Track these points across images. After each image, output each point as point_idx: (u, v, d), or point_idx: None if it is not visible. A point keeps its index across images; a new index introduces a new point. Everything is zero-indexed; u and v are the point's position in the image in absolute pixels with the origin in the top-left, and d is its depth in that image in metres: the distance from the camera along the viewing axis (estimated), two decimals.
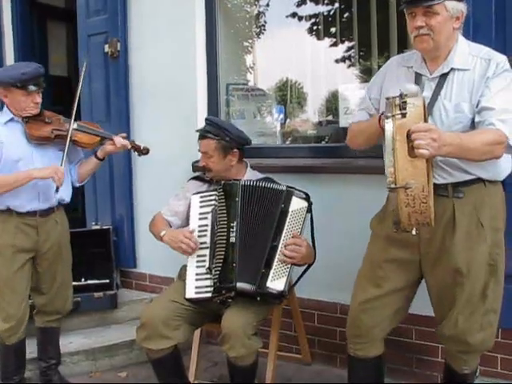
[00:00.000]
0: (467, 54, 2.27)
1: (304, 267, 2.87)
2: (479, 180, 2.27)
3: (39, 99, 2.99)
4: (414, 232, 2.10)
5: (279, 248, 2.67)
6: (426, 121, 2.07)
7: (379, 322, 2.48)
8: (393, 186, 1.99)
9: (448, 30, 2.22)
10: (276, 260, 2.66)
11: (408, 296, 2.50)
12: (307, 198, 2.76)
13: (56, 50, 5.78)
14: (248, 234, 2.70)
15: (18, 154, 2.96)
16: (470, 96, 2.22)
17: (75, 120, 3.10)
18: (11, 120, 3.00)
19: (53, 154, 3.03)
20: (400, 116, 1.99)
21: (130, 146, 3.20)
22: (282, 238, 2.68)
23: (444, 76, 2.27)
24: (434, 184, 2.15)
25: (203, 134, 2.93)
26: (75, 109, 3.10)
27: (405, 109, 1.99)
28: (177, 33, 3.98)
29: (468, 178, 2.26)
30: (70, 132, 3.01)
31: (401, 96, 2.01)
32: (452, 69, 2.26)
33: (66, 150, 2.98)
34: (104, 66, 4.29)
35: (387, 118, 2.01)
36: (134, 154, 4.16)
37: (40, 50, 5.42)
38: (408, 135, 1.96)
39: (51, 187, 2.97)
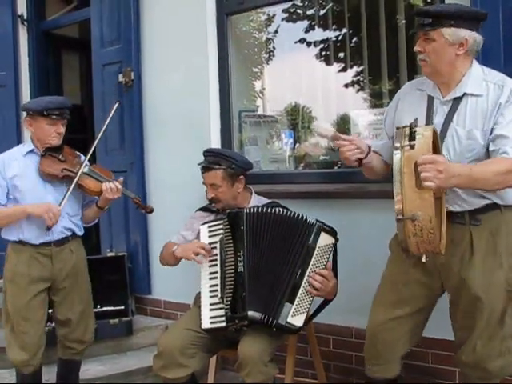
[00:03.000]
0: (481, 80, 2.28)
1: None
2: (495, 206, 2.28)
3: (62, 129, 3.07)
4: (424, 259, 2.12)
5: (302, 284, 2.64)
6: (437, 149, 2.08)
7: (396, 343, 2.49)
8: (400, 216, 2.01)
9: (448, 57, 2.25)
10: (299, 295, 2.64)
11: (425, 317, 2.51)
12: (334, 234, 2.72)
13: (70, 78, 5.88)
14: (260, 262, 2.70)
15: (30, 185, 3.01)
16: (483, 123, 2.22)
17: (91, 163, 3.17)
18: (31, 151, 3.08)
19: (65, 189, 3.06)
20: (408, 147, 2.00)
21: (120, 190, 3.09)
22: (307, 273, 2.65)
23: (457, 100, 2.29)
24: (451, 212, 2.17)
25: (208, 166, 2.94)
26: (90, 153, 3.15)
27: (414, 139, 2.00)
28: (189, 61, 4.05)
29: (484, 202, 2.26)
30: (78, 175, 3.04)
31: (411, 126, 2.03)
32: (465, 94, 2.27)
33: (69, 191, 3.01)
34: (118, 95, 4.33)
35: (396, 149, 2.03)
36: (149, 180, 4.26)
37: (54, 79, 5.51)
38: (415, 167, 1.97)
39: (63, 220, 3.04)
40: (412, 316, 2.46)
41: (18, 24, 5.02)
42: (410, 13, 3.83)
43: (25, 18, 5.05)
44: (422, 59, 2.28)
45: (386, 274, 2.58)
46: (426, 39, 2.25)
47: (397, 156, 2.02)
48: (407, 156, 2.00)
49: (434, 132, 2.11)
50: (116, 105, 3.31)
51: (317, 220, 2.71)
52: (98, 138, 3.20)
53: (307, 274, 2.65)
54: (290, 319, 2.62)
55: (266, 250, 2.70)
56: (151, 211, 3.36)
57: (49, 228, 2.93)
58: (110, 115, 3.23)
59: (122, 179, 3.16)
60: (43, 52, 5.24)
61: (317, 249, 2.66)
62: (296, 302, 2.63)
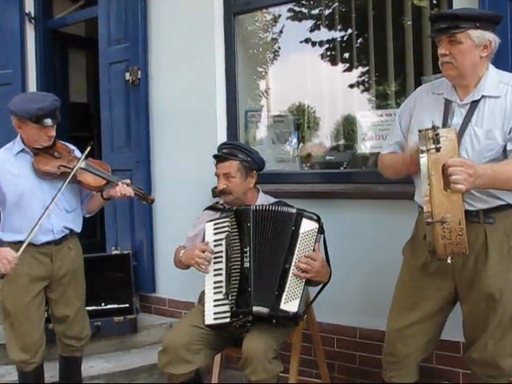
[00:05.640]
0: (498, 82, 2.30)
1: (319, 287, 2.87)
2: (509, 206, 2.30)
3: (54, 132, 2.97)
4: (449, 260, 2.13)
5: (291, 270, 2.67)
6: (458, 152, 2.10)
7: (415, 350, 2.51)
8: (430, 220, 2.04)
9: (473, 59, 2.26)
10: (288, 282, 2.66)
11: (441, 323, 2.52)
12: (318, 220, 2.75)
13: (76, 76, 5.89)
14: (262, 257, 2.71)
15: (26, 185, 2.96)
16: (502, 123, 2.24)
17: (86, 157, 3.08)
18: (22, 151, 3.00)
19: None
20: (434, 150, 2.02)
21: (132, 195, 3.09)
22: (294, 259, 2.67)
23: (475, 103, 2.30)
24: (466, 211, 2.18)
25: (225, 156, 2.96)
26: (86, 152, 3.05)
27: (438, 142, 2.02)
28: (196, 60, 4.05)
29: (499, 203, 2.28)
30: (73, 172, 2.97)
31: (433, 128, 2.04)
32: (483, 96, 2.29)
33: (61, 189, 2.93)
34: (125, 94, 4.37)
35: (422, 152, 2.05)
36: (154, 178, 4.28)
37: (61, 77, 5.52)
38: (443, 169, 2.00)
39: (63, 219, 3.02)
40: (427, 323, 2.47)
41: (25, 22, 5.03)
42: (416, 13, 3.84)
43: (32, 16, 5.06)
44: (448, 61, 2.27)
45: (400, 281, 2.59)
46: (451, 41, 2.25)
47: (423, 159, 2.05)
48: (434, 159, 2.03)
49: (456, 134, 2.12)
50: (89, 148, 3.09)
51: (297, 209, 2.76)
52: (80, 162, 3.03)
53: (294, 260, 2.68)
54: (283, 306, 2.63)
55: (266, 245, 2.73)
56: (152, 202, 3.32)
57: (2, 276, 2.79)
58: (84, 155, 3.06)
59: (128, 180, 3.13)
60: (50, 50, 5.26)
61: (300, 235, 2.70)
62: (287, 289, 2.64)
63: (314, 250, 2.71)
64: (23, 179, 2.96)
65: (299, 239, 2.69)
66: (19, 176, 2.96)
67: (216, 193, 3.00)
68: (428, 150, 2.03)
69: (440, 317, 2.49)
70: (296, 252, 2.68)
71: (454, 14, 2.29)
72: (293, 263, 2.67)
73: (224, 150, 3.00)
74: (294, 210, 2.74)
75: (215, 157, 3.02)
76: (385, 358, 2.62)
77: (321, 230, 2.75)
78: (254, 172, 3.00)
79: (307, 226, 2.71)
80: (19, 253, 2.81)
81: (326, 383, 3.35)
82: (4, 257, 2.78)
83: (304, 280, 2.68)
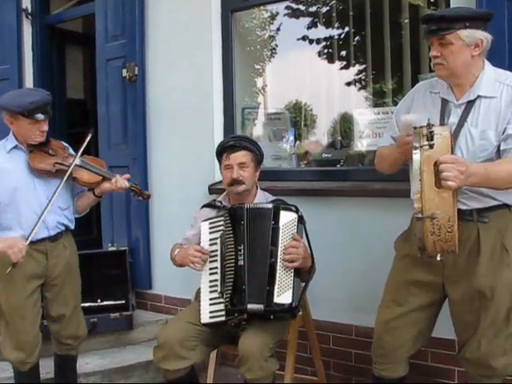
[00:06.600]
0: (494, 81, 2.29)
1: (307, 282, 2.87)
2: (504, 206, 2.29)
3: (46, 127, 2.95)
4: (438, 258, 2.14)
5: (278, 263, 2.68)
6: (452, 150, 2.10)
7: (403, 343, 2.51)
8: (419, 215, 2.04)
9: (464, 58, 2.25)
10: (277, 275, 2.67)
11: (431, 317, 2.51)
12: (296, 210, 2.77)
13: (73, 73, 5.88)
14: (253, 255, 2.73)
15: (19, 182, 2.92)
16: (496, 123, 2.24)
17: (81, 154, 3.05)
18: (15, 147, 2.97)
19: (56, 183, 2.97)
20: (428, 147, 2.04)
21: (127, 186, 3.09)
22: (279, 252, 2.69)
23: (471, 103, 2.29)
24: (459, 209, 2.18)
25: (240, 146, 2.95)
26: (82, 149, 3.02)
27: (432, 139, 2.03)
28: (193, 57, 4.05)
29: (493, 203, 2.28)
30: (70, 170, 2.96)
31: (428, 126, 2.05)
32: (479, 96, 2.28)
33: (59, 188, 2.93)
34: (122, 90, 4.36)
35: (415, 148, 2.06)
36: (151, 175, 4.27)
37: (58, 73, 5.51)
38: (435, 166, 2.01)
39: (57, 215, 3.00)
40: (414, 314, 2.47)
41: (22, 18, 5.03)
42: (413, 12, 3.84)
43: (29, 11, 5.05)
44: (439, 63, 2.27)
45: (390, 275, 2.60)
46: (441, 43, 2.25)
47: (416, 155, 2.06)
48: (426, 155, 2.04)
49: (451, 132, 2.13)
50: (89, 136, 3.09)
51: (274, 203, 2.82)
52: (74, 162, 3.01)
53: (279, 252, 2.69)
54: (276, 299, 2.64)
55: (256, 242, 2.74)
56: (148, 197, 3.31)
57: (14, 265, 2.75)
58: (80, 150, 3.03)
59: (128, 175, 3.15)
60: (47, 46, 5.25)
61: (281, 228, 2.72)
62: (277, 282, 2.66)
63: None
64: (16, 176, 2.93)
65: (280, 232, 2.71)
66: (12, 173, 2.93)
67: (227, 183, 2.96)
68: (421, 147, 2.05)
69: (429, 312, 2.49)
70: (280, 245, 2.70)
71: (441, 15, 2.28)
72: (278, 256, 2.69)
73: (234, 141, 2.99)
74: (270, 205, 2.77)
75: (228, 147, 2.97)
76: (374, 351, 2.62)
77: (300, 220, 2.77)
78: (259, 166, 3.02)
79: (286, 217, 2.74)
80: (27, 242, 2.81)
81: (322, 382, 3.37)
82: (15, 244, 2.75)
83: (292, 270, 2.69)
